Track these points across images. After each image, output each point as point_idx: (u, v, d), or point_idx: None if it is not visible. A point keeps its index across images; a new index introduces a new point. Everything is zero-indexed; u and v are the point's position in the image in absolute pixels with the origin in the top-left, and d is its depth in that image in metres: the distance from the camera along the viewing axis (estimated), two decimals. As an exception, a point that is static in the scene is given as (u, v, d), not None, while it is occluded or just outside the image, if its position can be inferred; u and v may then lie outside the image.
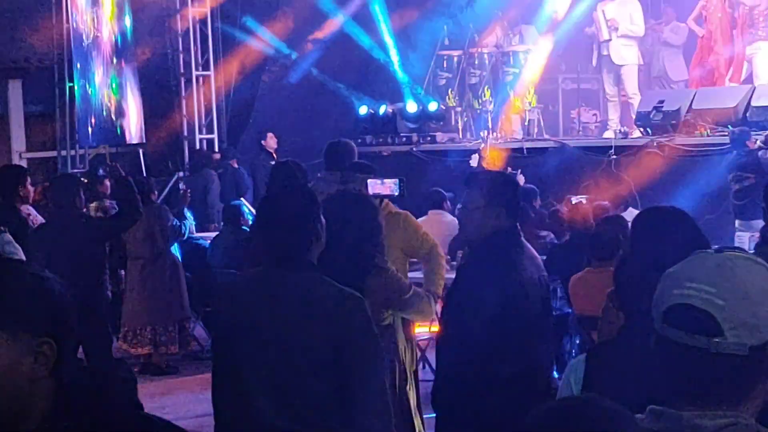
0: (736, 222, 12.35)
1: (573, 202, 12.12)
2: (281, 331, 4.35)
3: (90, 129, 18.43)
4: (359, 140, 15.40)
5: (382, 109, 18.27)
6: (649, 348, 2.50)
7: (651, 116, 15.34)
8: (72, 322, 2.49)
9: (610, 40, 16.91)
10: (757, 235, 8.83)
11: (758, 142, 13.13)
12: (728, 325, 2.38)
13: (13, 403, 2.39)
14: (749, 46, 16.20)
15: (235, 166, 17.31)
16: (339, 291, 4.43)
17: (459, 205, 6.04)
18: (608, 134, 16.51)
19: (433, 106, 17.80)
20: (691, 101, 15.16)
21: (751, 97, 14.69)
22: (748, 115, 14.48)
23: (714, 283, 2.40)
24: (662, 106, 15.30)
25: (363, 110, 18.44)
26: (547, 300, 5.43)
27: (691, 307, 2.41)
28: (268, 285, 4.47)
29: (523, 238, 5.49)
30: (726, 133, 14.19)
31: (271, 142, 17.75)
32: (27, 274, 2.45)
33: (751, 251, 9.42)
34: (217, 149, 18.59)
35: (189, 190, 13.98)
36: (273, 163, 17.34)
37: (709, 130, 14.54)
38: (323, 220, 4.59)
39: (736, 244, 11.14)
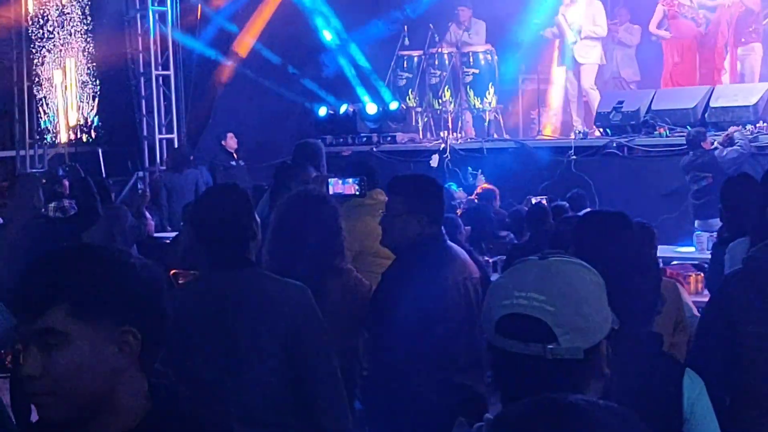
0: (696, 222, 12.42)
1: (533, 202, 12.16)
2: (231, 331, 4.39)
3: (50, 128, 18.38)
4: (319, 140, 15.36)
5: (342, 109, 18.27)
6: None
7: (611, 117, 15.41)
8: (161, 311, 2.44)
9: (575, 42, 16.98)
10: (716, 234, 8.92)
11: (716, 142, 13.20)
12: (561, 331, 2.40)
13: (96, 395, 2.34)
14: (741, 47, 16.27)
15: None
16: (282, 283, 4.51)
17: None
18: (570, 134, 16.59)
19: (393, 106, 17.81)
20: (651, 102, 15.23)
21: (709, 98, 14.78)
22: (706, 115, 14.56)
23: (542, 290, 2.42)
24: (621, 107, 15.37)
25: (323, 111, 18.42)
26: (471, 303, 5.34)
27: (523, 315, 2.43)
28: (210, 287, 4.51)
29: (448, 242, 5.46)
30: (685, 134, 14.28)
31: (231, 142, 17.72)
32: (107, 258, 2.39)
33: (709, 251, 9.51)
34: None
35: (148, 191, 13.91)
36: (233, 163, 17.37)
37: (668, 131, 14.62)
38: (257, 218, 4.64)
39: (696, 245, 11.22)
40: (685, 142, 13.88)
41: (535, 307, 2.42)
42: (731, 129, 13.40)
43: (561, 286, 2.44)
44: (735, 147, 12.81)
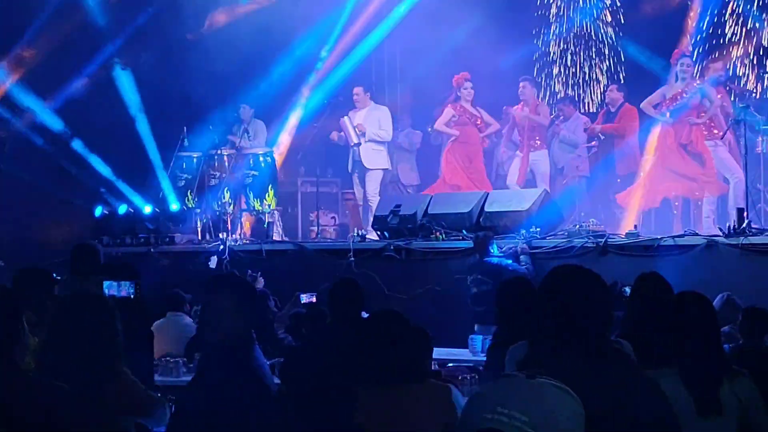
0: (476, 327, 12.52)
1: (303, 301, 12.14)
2: None
3: None
4: (95, 241, 15.10)
5: (121, 209, 18.05)
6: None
7: (388, 220, 15.58)
8: None
9: (359, 144, 17.20)
10: (490, 337, 9.05)
11: (503, 250, 13.42)
12: None
13: None
14: (532, 153, 17.19)
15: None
16: (49, 388, 4.40)
17: (197, 307, 5.95)
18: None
19: (172, 208, 17.70)
20: (427, 206, 15.46)
21: (484, 202, 15.08)
22: (482, 220, 14.85)
23: (526, 411, 2.42)
24: (399, 211, 15.56)
25: (99, 211, 18.16)
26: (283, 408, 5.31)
27: None
28: None
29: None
30: (461, 238, 14.54)
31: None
32: None
33: (483, 354, 9.63)
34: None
35: None
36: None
37: (444, 235, 14.85)
38: (24, 320, 4.51)
39: (470, 347, 11.36)
40: (460, 246, 14.17)
41: (515, 426, 2.39)
42: (520, 248, 13.61)
43: (544, 409, 2.43)
44: (522, 267, 13.04)
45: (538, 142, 17.54)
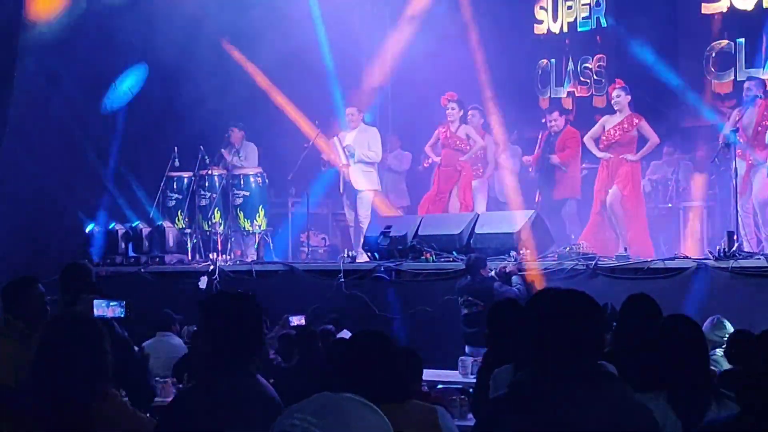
0: (467, 348, 12.54)
1: (293, 324, 12.13)
2: None
3: None
4: (86, 260, 15.09)
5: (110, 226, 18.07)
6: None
7: (378, 241, 15.58)
8: None
9: (348, 165, 17.21)
10: (480, 359, 9.05)
11: (493, 272, 13.39)
12: None
13: None
14: (474, 181, 17.14)
15: None
16: None
17: (192, 328, 5.91)
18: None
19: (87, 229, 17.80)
20: (417, 227, 15.47)
21: (474, 224, 15.10)
22: (472, 241, 14.86)
23: (318, 415, 2.51)
24: (390, 232, 15.56)
25: (90, 229, 18.15)
26: None
27: None
28: None
29: (253, 369, 5.36)
30: (451, 259, 14.54)
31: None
32: None
33: (473, 376, 9.62)
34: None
35: None
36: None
37: (434, 256, 14.85)
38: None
39: (459, 369, 11.36)
40: (451, 268, 14.18)
41: (305, 428, 2.47)
42: (510, 267, 13.60)
43: (337, 416, 2.49)
44: (513, 288, 13.03)
45: (480, 171, 17.54)
